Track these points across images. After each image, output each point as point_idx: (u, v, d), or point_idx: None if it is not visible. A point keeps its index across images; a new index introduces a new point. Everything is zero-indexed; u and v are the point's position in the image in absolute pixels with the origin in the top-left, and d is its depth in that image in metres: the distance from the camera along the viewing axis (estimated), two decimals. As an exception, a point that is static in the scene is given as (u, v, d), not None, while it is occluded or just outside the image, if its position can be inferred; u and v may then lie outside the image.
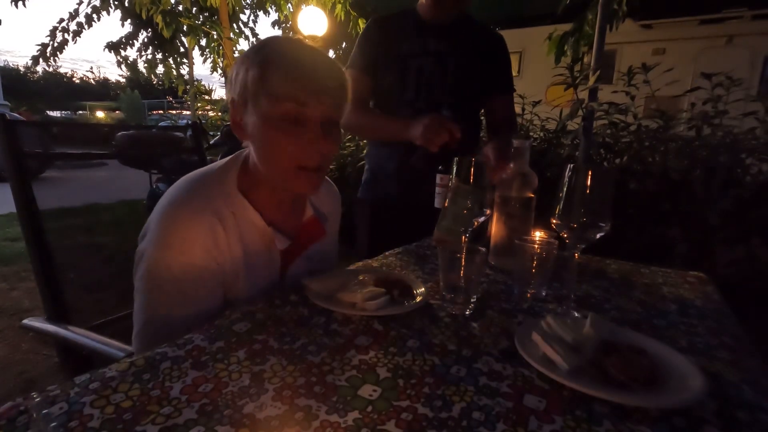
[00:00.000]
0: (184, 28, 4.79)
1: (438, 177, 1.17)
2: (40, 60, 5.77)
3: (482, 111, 1.48)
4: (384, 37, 1.35)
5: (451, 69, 1.32)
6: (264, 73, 0.68)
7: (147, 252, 0.68)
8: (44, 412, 0.42)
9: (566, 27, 3.12)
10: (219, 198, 0.73)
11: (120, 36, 7.81)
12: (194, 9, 5.28)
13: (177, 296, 0.69)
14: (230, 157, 0.79)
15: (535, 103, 2.86)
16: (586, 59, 2.95)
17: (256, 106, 0.70)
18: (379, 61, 1.35)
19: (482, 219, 0.73)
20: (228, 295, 0.75)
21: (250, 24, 7.19)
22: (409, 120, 1.19)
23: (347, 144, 3.60)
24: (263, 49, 0.70)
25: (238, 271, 0.74)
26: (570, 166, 0.65)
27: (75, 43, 5.76)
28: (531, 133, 2.82)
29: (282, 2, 5.09)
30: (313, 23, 4.40)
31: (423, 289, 0.75)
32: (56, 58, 5.80)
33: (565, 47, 3.12)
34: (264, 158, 0.74)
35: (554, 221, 0.67)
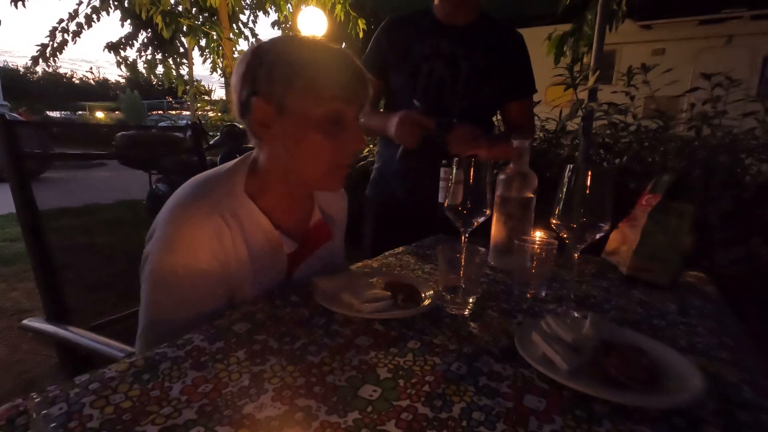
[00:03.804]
0: (184, 28, 4.79)
1: (442, 171, 1.17)
2: (40, 60, 5.77)
3: (497, 115, 1.45)
4: (398, 38, 1.32)
5: (464, 73, 1.28)
6: (309, 74, 0.68)
7: (152, 254, 0.68)
8: (44, 412, 0.42)
9: (566, 27, 3.12)
10: (226, 200, 0.72)
11: (120, 36, 7.82)
12: (194, 9, 5.29)
13: (180, 300, 0.68)
14: (237, 159, 0.79)
15: (535, 104, 2.85)
16: (585, 59, 2.96)
17: (295, 107, 0.69)
18: (391, 62, 1.33)
19: (482, 219, 0.73)
20: (234, 299, 0.74)
21: (250, 24, 7.21)
22: (389, 115, 1.19)
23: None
24: (297, 51, 0.69)
25: (244, 275, 0.73)
26: (570, 166, 0.65)
27: (74, 43, 5.76)
28: (531, 134, 2.82)
29: (282, 2, 5.10)
30: (313, 23, 4.40)
31: (429, 300, 0.72)
32: (56, 58, 5.80)
33: (565, 47, 3.12)
34: (300, 159, 0.73)
35: (554, 221, 0.67)
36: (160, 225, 0.69)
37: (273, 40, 0.72)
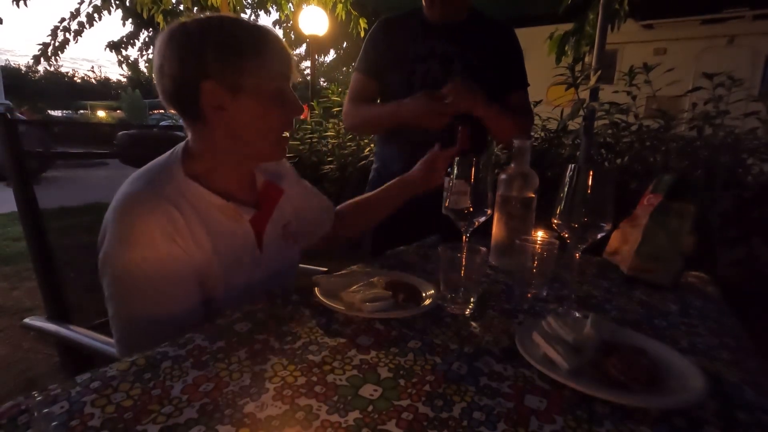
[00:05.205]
0: (185, 27, 4.78)
1: (446, 180, 1.17)
2: (42, 59, 5.76)
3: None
4: (390, 40, 1.33)
5: (457, 73, 1.28)
6: (259, 54, 0.72)
7: (111, 256, 0.67)
8: (45, 411, 0.42)
9: (567, 27, 3.12)
10: (169, 187, 0.71)
11: (121, 35, 7.83)
12: (195, 9, 5.28)
13: (152, 294, 0.68)
14: (167, 153, 0.79)
15: (536, 103, 2.85)
16: (587, 59, 2.95)
17: (249, 86, 0.71)
18: (386, 64, 1.33)
19: (483, 219, 0.73)
20: (208, 283, 0.74)
21: (251, 23, 7.19)
22: (398, 103, 1.22)
23: (348, 144, 3.60)
24: (240, 32, 0.71)
25: (209, 257, 0.73)
26: (571, 166, 0.65)
27: (76, 42, 5.75)
28: (532, 133, 2.82)
29: (283, 2, 5.08)
30: (314, 23, 4.40)
31: (430, 300, 0.72)
32: (57, 57, 5.79)
33: (566, 47, 3.12)
34: (254, 133, 0.76)
35: (555, 221, 0.67)
36: (110, 227, 0.68)
37: (202, 22, 0.71)
